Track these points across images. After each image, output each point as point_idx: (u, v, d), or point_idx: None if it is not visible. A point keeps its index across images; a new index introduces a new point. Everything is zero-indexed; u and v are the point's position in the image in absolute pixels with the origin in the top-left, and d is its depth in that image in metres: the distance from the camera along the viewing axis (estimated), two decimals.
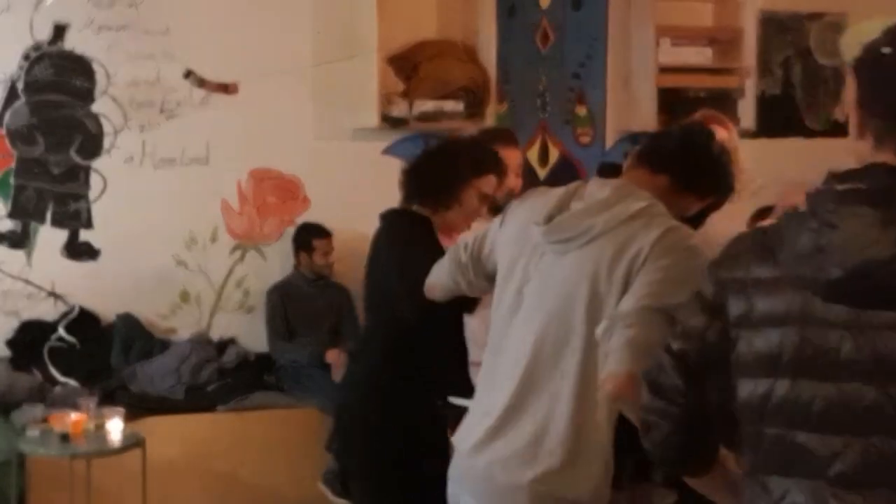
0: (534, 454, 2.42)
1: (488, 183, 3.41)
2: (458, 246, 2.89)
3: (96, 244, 5.69)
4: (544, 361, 2.43)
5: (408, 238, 3.38)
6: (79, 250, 5.67)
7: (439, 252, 3.21)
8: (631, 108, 6.28)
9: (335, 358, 5.47)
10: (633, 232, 2.38)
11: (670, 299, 2.22)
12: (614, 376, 2.26)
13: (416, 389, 3.33)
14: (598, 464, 2.42)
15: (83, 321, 5.62)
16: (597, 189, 2.50)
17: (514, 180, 3.99)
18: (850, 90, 1.73)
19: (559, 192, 2.54)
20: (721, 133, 4.46)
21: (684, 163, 2.54)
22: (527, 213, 2.56)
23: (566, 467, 2.40)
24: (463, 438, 2.61)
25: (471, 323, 3.46)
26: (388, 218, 3.52)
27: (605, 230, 2.39)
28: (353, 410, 3.49)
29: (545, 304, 2.44)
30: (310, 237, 5.76)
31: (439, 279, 2.97)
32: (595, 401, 2.38)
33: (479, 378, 2.66)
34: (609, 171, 5.70)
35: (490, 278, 2.70)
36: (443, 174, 3.41)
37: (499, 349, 2.55)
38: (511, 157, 3.97)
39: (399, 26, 5.82)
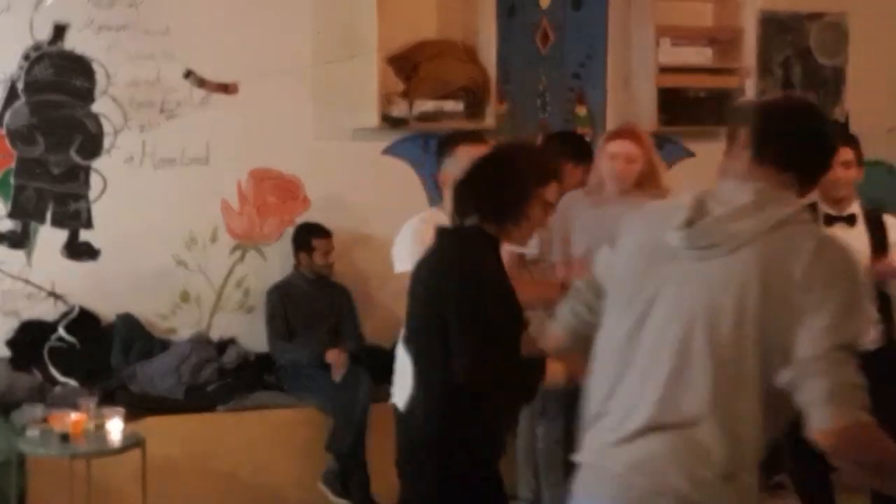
0: (679, 464, 2.32)
1: (552, 191, 3.23)
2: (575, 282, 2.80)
3: (96, 244, 5.69)
4: (686, 370, 2.34)
5: (478, 277, 3.07)
6: (79, 250, 5.67)
7: (505, 288, 3.07)
8: (631, 108, 6.28)
9: (335, 358, 5.47)
10: (784, 243, 2.30)
11: (850, 332, 2.21)
12: (827, 435, 2.21)
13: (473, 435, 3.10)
14: (746, 477, 2.34)
15: (83, 321, 5.62)
16: (733, 192, 2.40)
17: None
18: None
19: (688, 197, 2.44)
20: (633, 149, 4.46)
21: (813, 158, 2.45)
22: (649, 223, 2.49)
23: (715, 480, 2.31)
24: (589, 453, 2.49)
25: None
26: (456, 238, 3.19)
27: (752, 237, 2.31)
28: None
29: (686, 311, 2.35)
30: (309, 237, 5.76)
31: (560, 318, 2.78)
32: (743, 414, 2.31)
33: (594, 390, 2.53)
34: (565, 139, 5.66)
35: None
36: (508, 188, 3.14)
37: (624, 360, 2.44)
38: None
39: (399, 26, 5.82)
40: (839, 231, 4.55)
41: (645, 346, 2.40)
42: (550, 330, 2.82)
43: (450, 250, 3.15)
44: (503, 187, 3.14)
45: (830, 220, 4.65)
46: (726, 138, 2.55)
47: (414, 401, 3.22)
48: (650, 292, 2.41)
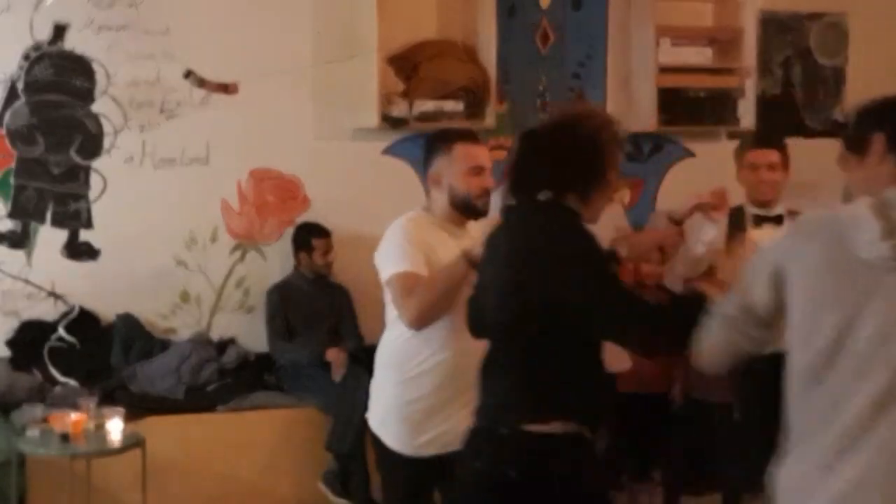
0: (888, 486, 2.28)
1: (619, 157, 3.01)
2: (720, 304, 2.63)
3: (96, 244, 5.69)
4: None
5: (586, 248, 2.79)
6: (79, 250, 5.67)
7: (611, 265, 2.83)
8: (631, 108, 6.28)
9: (335, 357, 5.47)
10: None
11: None
12: None
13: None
14: None
15: (83, 321, 5.62)
16: None
17: (488, 179, 3.59)
18: None
19: (863, 208, 2.37)
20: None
21: None
22: (828, 239, 2.38)
23: None
24: (792, 486, 2.42)
25: None
26: (541, 213, 2.86)
27: None
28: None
29: None
30: (309, 236, 5.77)
31: (710, 343, 2.61)
32: None
33: (791, 420, 2.45)
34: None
35: (767, 324, 2.50)
36: (590, 155, 2.86)
37: (820, 380, 2.37)
38: (481, 154, 3.63)
39: (399, 26, 5.82)
40: (768, 231, 4.60)
41: (848, 365, 2.33)
42: (700, 348, 2.65)
43: (539, 229, 2.83)
44: (584, 154, 2.86)
45: (759, 221, 4.68)
46: (855, 148, 2.48)
47: (500, 402, 2.89)
48: (850, 310, 2.33)
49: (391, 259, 3.51)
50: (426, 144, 3.74)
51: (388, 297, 3.60)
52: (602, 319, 2.77)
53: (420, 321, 3.43)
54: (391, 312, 3.61)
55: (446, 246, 3.51)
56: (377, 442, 3.68)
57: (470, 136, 3.73)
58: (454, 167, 3.56)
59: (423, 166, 3.72)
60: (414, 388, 3.54)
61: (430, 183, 3.64)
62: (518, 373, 2.84)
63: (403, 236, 3.53)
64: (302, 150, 5.91)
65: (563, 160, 2.85)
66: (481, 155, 3.63)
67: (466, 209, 3.55)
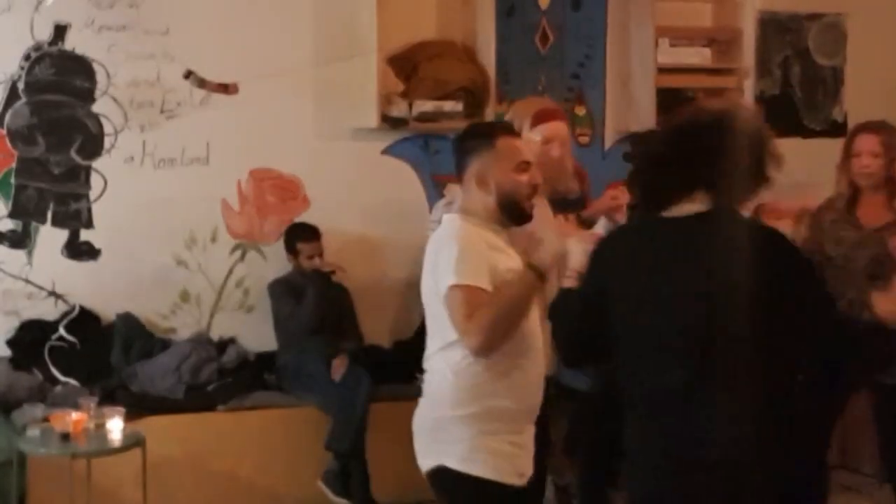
0: None
1: None
2: None
3: (96, 244, 5.69)
4: None
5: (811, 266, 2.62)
6: (79, 250, 5.68)
7: None
8: (630, 108, 6.29)
9: (340, 363, 5.46)
10: None
11: None
12: None
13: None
14: None
15: (83, 321, 5.62)
16: None
17: (537, 175, 3.25)
18: None
19: None
20: (565, 132, 4.01)
21: None
22: None
23: None
24: None
25: None
26: (725, 227, 2.55)
27: None
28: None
29: None
30: (294, 240, 5.72)
31: None
32: None
33: None
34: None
35: None
36: (762, 150, 2.59)
37: None
38: (525, 148, 3.29)
39: (399, 26, 5.82)
40: None
41: None
42: None
43: (740, 245, 2.51)
44: (755, 151, 2.57)
45: None
46: None
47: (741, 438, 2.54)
48: None
49: (455, 266, 3.05)
50: (462, 140, 3.35)
51: (443, 312, 3.10)
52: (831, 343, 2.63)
53: (486, 348, 3.01)
54: (452, 332, 3.08)
55: (508, 251, 3.17)
56: (463, 482, 3.10)
57: (512, 129, 3.40)
58: (500, 164, 3.18)
59: (458, 165, 3.29)
60: (495, 414, 3.10)
61: (475, 184, 3.20)
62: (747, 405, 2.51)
63: (466, 241, 3.11)
64: (302, 150, 5.92)
65: (731, 159, 2.53)
66: (525, 149, 3.29)
67: (513, 212, 3.20)
